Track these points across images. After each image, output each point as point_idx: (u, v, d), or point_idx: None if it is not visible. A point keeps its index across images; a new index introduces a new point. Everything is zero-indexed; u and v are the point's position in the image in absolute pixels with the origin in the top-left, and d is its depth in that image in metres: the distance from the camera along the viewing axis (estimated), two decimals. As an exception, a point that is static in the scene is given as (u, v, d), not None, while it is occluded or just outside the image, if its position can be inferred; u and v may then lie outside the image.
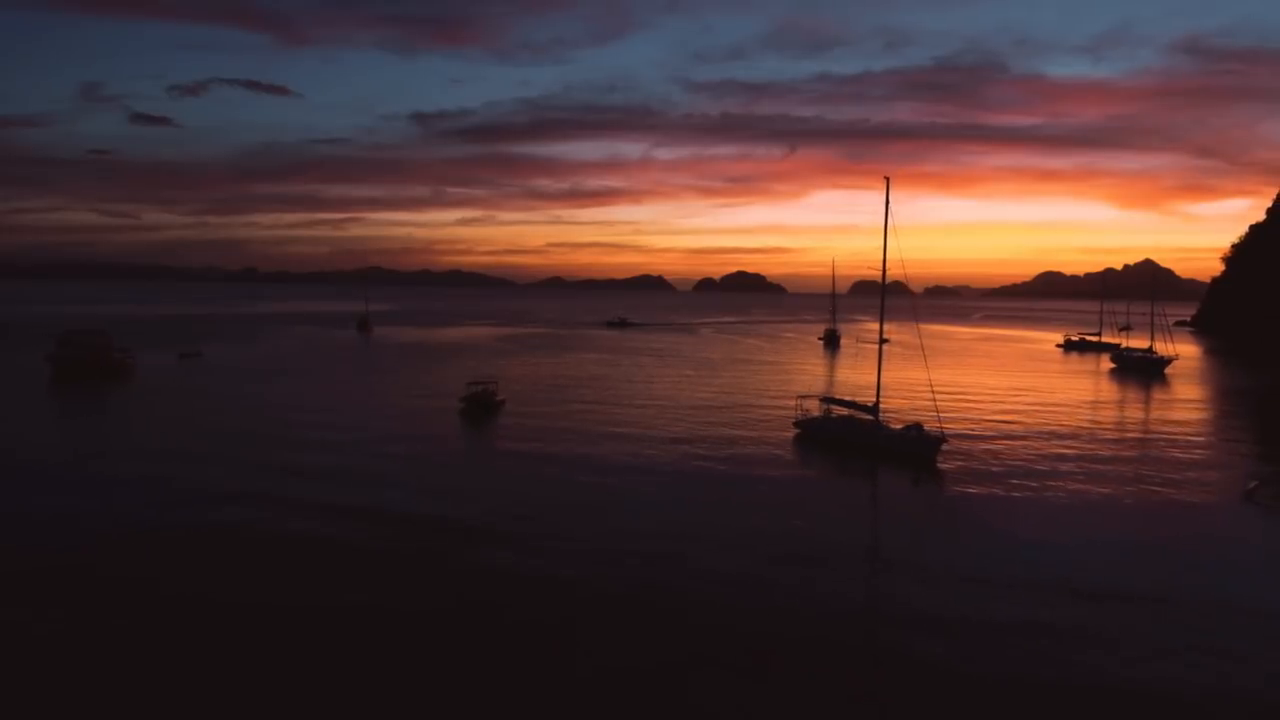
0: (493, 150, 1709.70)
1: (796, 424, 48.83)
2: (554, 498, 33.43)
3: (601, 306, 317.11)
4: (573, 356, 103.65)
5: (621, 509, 31.77)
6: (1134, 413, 63.47)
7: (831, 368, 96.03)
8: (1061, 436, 49.70)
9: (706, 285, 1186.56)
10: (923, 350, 68.60)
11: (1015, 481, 37.47)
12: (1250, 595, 24.00)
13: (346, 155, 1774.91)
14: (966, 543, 28.65)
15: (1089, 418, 58.20)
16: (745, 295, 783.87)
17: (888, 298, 48.41)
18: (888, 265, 46.18)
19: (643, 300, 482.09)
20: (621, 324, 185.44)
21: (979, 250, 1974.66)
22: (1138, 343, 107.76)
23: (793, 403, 54.79)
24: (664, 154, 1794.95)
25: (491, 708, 17.18)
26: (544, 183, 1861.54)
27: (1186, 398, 72.26)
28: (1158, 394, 74.85)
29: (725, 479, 37.33)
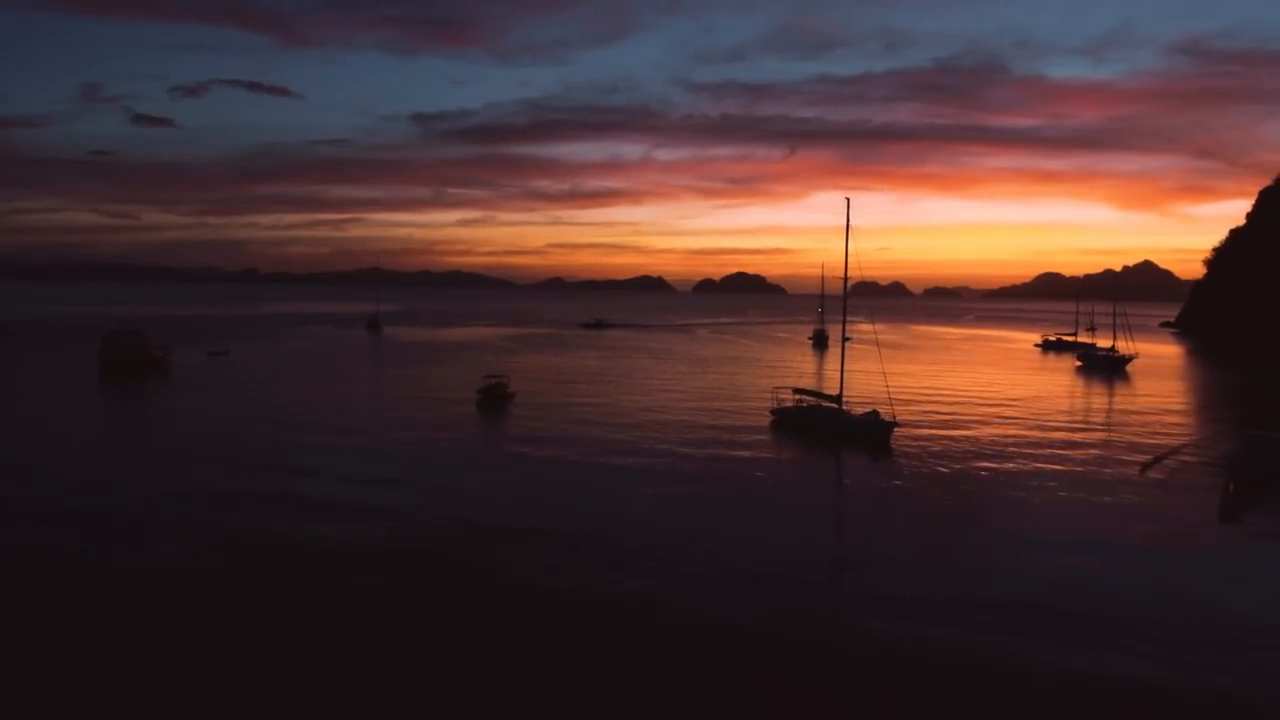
0: (493, 151, 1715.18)
1: (773, 412, 55.54)
2: (557, 482, 39.07)
3: (601, 307, 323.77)
4: (575, 354, 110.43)
5: (619, 490, 37.15)
6: (1079, 404, 70.04)
7: (816, 364, 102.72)
8: (1004, 422, 56.32)
9: (706, 286, 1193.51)
10: (878, 347, 76.45)
11: (953, 459, 44.13)
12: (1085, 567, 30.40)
13: (347, 156, 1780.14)
14: (912, 516, 35.25)
15: (1035, 407, 64.79)
16: (745, 296, 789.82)
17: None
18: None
19: (642, 301, 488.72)
20: (598, 325, 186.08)
21: (979, 251, 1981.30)
22: (1109, 343, 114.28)
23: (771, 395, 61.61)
24: (664, 155, 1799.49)
25: (487, 706, 17.99)
26: (544, 183, 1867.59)
27: (1134, 391, 78.85)
28: (1107, 388, 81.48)
29: (710, 458, 43.83)
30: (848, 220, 51.25)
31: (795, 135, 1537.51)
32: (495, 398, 62.18)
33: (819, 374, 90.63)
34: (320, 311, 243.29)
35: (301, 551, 27.65)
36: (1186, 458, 43.63)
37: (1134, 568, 27.65)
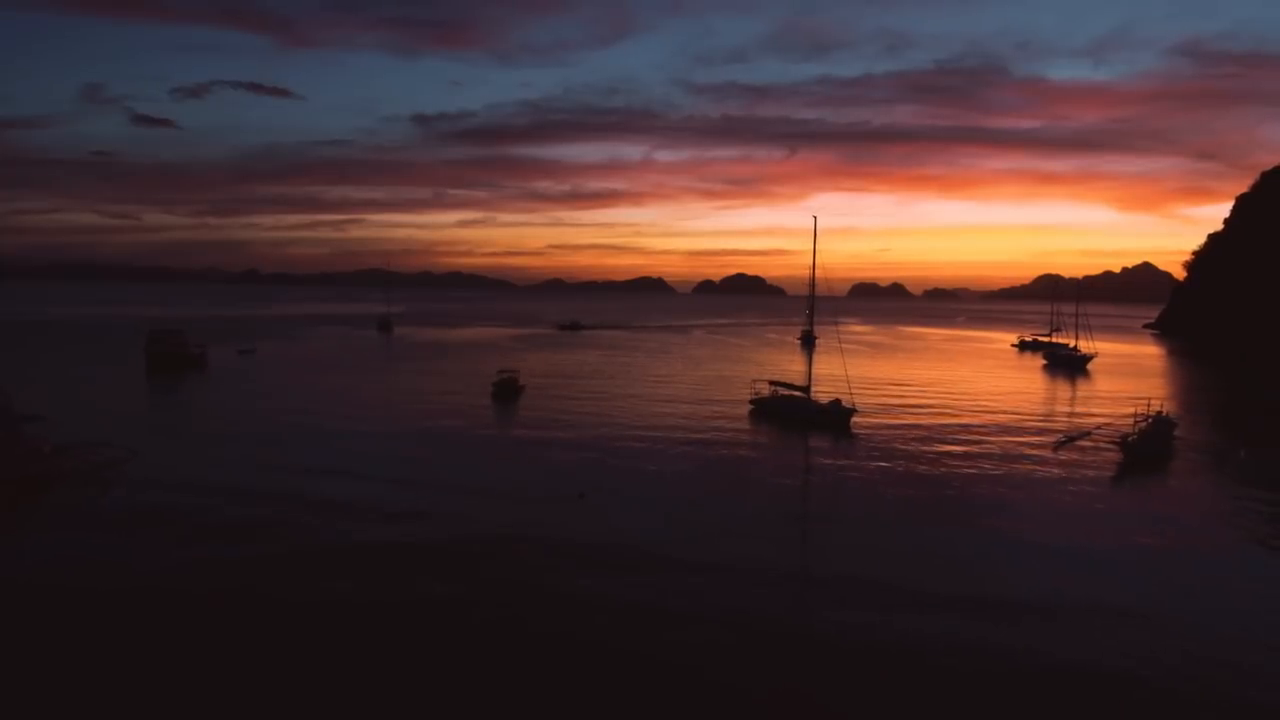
0: (493, 152, 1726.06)
1: (751, 401, 63.41)
2: (561, 469, 46.52)
3: (601, 308, 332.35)
4: (578, 353, 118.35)
5: (616, 478, 42.92)
6: (1032, 396, 77.80)
7: (803, 362, 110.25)
8: (955, 411, 64.13)
9: (706, 287, 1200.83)
10: (840, 345, 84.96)
11: (905, 441, 51.89)
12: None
13: (348, 157, 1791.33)
14: (863, 493, 43.03)
15: (989, 400, 72.58)
16: (745, 297, 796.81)
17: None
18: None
19: (640, 302, 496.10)
20: (573, 326, 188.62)
21: (979, 253, 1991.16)
22: (1085, 344, 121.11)
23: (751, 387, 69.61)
24: (665, 156, 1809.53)
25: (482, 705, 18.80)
26: (544, 184, 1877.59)
27: (1090, 386, 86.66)
28: (1066, 384, 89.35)
29: (698, 441, 51.42)
30: (814, 235, 59.20)
31: (796, 136, 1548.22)
32: (508, 391, 69.92)
33: (806, 371, 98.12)
34: (328, 313, 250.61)
35: (342, 548, 29.14)
36: (1096, 438, 51.31)
37: (1028, 539, 35.28)
